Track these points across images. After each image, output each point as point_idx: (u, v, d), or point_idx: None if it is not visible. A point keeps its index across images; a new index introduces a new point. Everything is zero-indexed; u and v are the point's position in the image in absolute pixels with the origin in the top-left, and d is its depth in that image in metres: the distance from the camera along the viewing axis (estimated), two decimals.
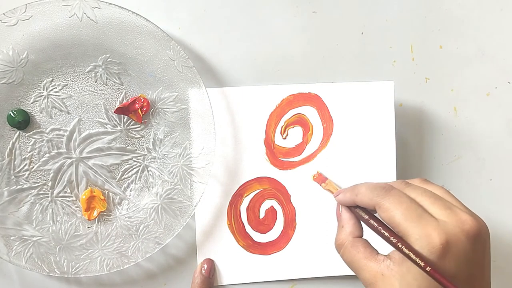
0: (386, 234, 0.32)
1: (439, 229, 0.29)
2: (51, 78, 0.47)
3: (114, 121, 0.48)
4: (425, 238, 0.29)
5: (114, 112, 0.48)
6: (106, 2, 0.44)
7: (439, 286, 0.29)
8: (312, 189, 0.51)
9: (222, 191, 0.50)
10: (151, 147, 0.48)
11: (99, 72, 0.47)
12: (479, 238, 0.30)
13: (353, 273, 0.51)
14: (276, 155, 0.50)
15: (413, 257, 0.29)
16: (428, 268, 0.29)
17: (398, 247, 0.31)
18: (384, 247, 0.33)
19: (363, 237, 0.35)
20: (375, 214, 0.34)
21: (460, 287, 0.28)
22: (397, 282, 0.30)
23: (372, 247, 0.34)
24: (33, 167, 0.47)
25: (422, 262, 0.29)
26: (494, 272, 0.54)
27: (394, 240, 0.31)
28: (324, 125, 0.50)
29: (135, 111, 0.47)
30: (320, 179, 0.49)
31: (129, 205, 0.49)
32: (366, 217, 0.34)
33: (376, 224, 0.33)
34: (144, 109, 0.47)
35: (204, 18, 0.50)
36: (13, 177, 0.47)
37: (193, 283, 0.49)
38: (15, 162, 0.47)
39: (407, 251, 0.30)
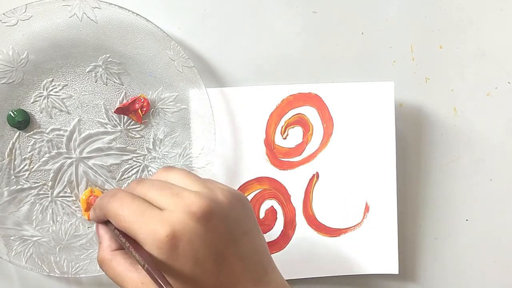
0: (123, 240, 0.29)
1: (163, 221, 0.27)
2: (51, 78, 0.47)
3: (114, 121, 0.48)
4: (151, 234, 0.27)
5: (114, 112, 0.48)
6: (106, 2, 0.44)
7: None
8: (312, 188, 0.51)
9: None
10: (151, 147, 0.48)
11: (99, 72, 0.47)
12: (211, 215, 0.28)
13: (353, 273, 0.52)
14: (276, 155, 0.50)
15: (137, 258, 0.27)
16: (146, 267, 0.26)
17: (132, 253, 0.28)
18: None
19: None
20: None
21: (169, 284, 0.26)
22: (152, 286, 0.28)
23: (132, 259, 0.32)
24: (33, 167, 0.47)
25: (142, 261, 0.27)
26: (494, 272, 0.54)
27: (127, 244, 0.29)
28: (324, 125, 0.50)
29: (135, 111, 0.47)
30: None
31: None
32: (113, 228, 0.31)
33: (118, 233, 0.30)
34: (144, 109, 0.47)
35: (204, 18, 0.50)
36: (13, 177, 0.47)
37: None
38: (15, 162, 0.47)
39: (133, 253, 0.27)
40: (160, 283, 0.26)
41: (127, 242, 0.29)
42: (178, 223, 0.27)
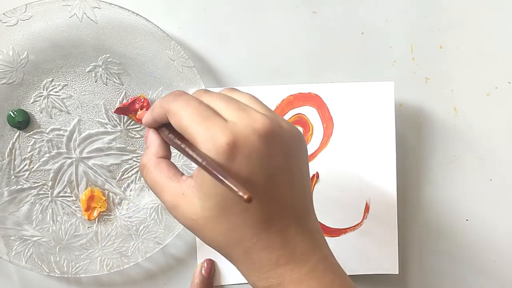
0: (178, 142, 0.29)
1: (225, 129, 0.27)
2: (51, 78, 0.47)
3: (114, 121, 0.48)
4: (211, 139, 0.27)
5: (114, 112, 0.48)
6: (106, 2, 0.44)
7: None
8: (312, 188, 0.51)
9: None
10: None
11: (99, 72, 0.47)
12: (273, 136, 0.28)
13: (353, 273, 0.52)
14: None
15: (194, 155, 0.27)
16: (204, 162, 0.26)
17: (185, 151, 0.28)
18: None
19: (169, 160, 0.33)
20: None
21: (228, 176, 0.26)
22: (196, 198, 0.28)
23: (178, 169, 0.31)
24: (33, 167, 0.47)
25: (199, 158, 0.27)
26: (495, 272, 0.54)
27: (182, 146, 0.28)
28: (324, 125, 0.50)
29: (135, 111, 0.47)
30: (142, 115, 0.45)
31: (129, 205, 0.49)
32: (166, 133, 0.31)
33: (172, 136, 0.30)
34: (144, 109, 0.47)
35: (204, 18, 0.50)
36: (13, 177, 0.47)
37: (192, 284, 0.49)
38: (15, 162, 0.47)
39: (190, 152, 0.27)
40: (219, 177, 0.26)
41: (183, 144, 0.29)
42: (241, 135, 0.27)
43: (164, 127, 0.32)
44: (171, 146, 0.32)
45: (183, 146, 0.28)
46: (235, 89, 0.32)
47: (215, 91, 0.31)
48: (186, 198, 0.29)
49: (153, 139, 0.32)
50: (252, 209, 0.28)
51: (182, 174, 0.31)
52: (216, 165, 0.26)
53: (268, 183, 0.28)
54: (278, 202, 0.29)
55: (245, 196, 0.25)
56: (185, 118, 0.28)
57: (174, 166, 0.31)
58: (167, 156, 0.32)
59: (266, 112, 0.29)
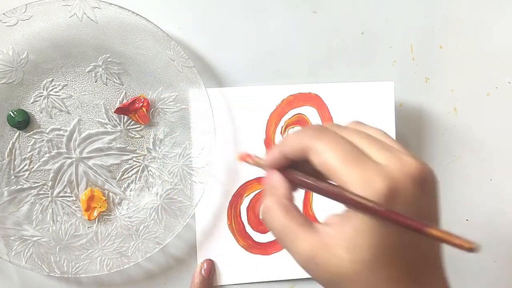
0: (325, 185, 0.27)
1: (382, 174, 0.25)
2: (51, 78, 0.47)
3: (114, 121, 0.48)
4: (367, 183, 0.25)
5: (114, 112, 0.48)
6: (106, 2, 0.44)
7: (393, 240, 0.25)
8: None
9: (222, 191, 0.50)
10: (151, 147, 0.48)
11: (99, 72, 0.47)
12: (425, 182, 0.27)
13: None
14: None
15: (362, 200, 0.25)
16: (382, 209, 0.24)
17: (343, 195, 0.26)
18: None
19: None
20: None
21: (429, 224, 0.24)
22: (343, 249, 0.25)
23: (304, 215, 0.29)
24: (33, 167, 0.47)
25: (374, 204, 0.24)
26: (495, 272, 0.54)
27: (336, 189, 0.26)
28: None
29: (135, 111, 0.47)
30: (245, 156, 0.46)
31: (129, 205, 0.49)
32: (299, 175, 0.29)
33: (311, 181, 0.28)
34: (144, 109, 0.47)
35: (204, 18, 0.50)
36: (13, 177, 0.47)
37: (192, 283, 0.49)
38: (15, 162, 0.47)
39: (352, 196, 0.25)
40: (415, 225, 0.24)
41: (333, 187, 0.26)
42: (399, 181, 0.25)
43: (290, 168, 0.29)
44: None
45: (335, 189, 0.26)
46: (363, 123, 0.30)
47: (347, 126, 0.29)
48: (328, 250, 0.26)
49: (279, 180, 0.29)
50: (403, 261, 0.26)
51: (311, 221, 0.28)
52: (402, 214, 0.25)
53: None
54: (428, 250, 0.28)
55: (469, 245, 0.23)
56: (334, 158, 0.26)
57: (301, 212, 0.29)
58: (293, 200, 0.29)
59: (407, 153, 0.28)
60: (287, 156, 0.29)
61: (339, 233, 0.26)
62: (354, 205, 0.25)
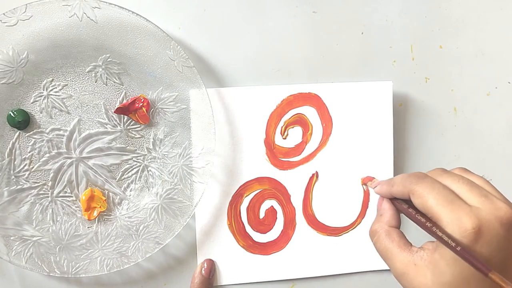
0: (422, 219, 0.32)
1: (471, 214, 0.29)
2: (51, 78, 0.47)
3: (114, 121, 0.48)
4: (457, 222, 0.29)
5: (114, 112, 0.48)
6: (106, 2, 0.44)
7: (473, 273, 0.29)
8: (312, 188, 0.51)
9: (222, 191, 0.50)
10: (151, 147, 0.48)
11: (99, 72, 0.47)
12: None
13: (353, 272, 0.52)
14: (276, 155, 0.50)
15: (445, 238, 0.29)
16: (458, 248, 0.29)
17: (432, 230, 0.31)
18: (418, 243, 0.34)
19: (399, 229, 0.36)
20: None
21: (492, 269, 0.28)
22: (429, 271, 0.30)
23: (407, 239, 0.34)
24: (33, 167, 0.47)
25: (453, 242, 0.29)
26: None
27: (428, 225, 0.31)
28: (324, 125, 0.50)
29: (135, 111, 0.47)
30: (367, 180, 0.50)
31: (129, 205, 0.49)
32: (405, 206, 0.35)
33: (414, 212, 0.33)
34: (144, 109, 0.47)
35: (204, 18, 0.50)
36: (13, 177, 0.47)
37: (192, 283, 0.49)
38: (15, 162, 0.47)
39: (439, 233, 0.30)
40: (479, 266, 0.28)
41: (428, 222, 0.31)
42: (485, 221, 0.29)
43: (398, 199, 0.35)
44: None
45: (428, 224, 0.31)
46: (467, 170, 0.35)
47: (453, 172, 0.34)
48: (417, 269, 0.31)
49: (387, 208, 0.36)
50: None
51: (411, 244, 0.33)
52: (474, 255, 0.28)
53: (501, 270, 0.30)
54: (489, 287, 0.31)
55: None
56: (431, 200, 0.31)
57: (404, 236, 0.34)
58: (398, 226, 0.35)
59: (503, 198, 0.32)
60: (393, 195, 0.35)
61: (429, 257, 0.31)
62: (439, 241, 0.30)
